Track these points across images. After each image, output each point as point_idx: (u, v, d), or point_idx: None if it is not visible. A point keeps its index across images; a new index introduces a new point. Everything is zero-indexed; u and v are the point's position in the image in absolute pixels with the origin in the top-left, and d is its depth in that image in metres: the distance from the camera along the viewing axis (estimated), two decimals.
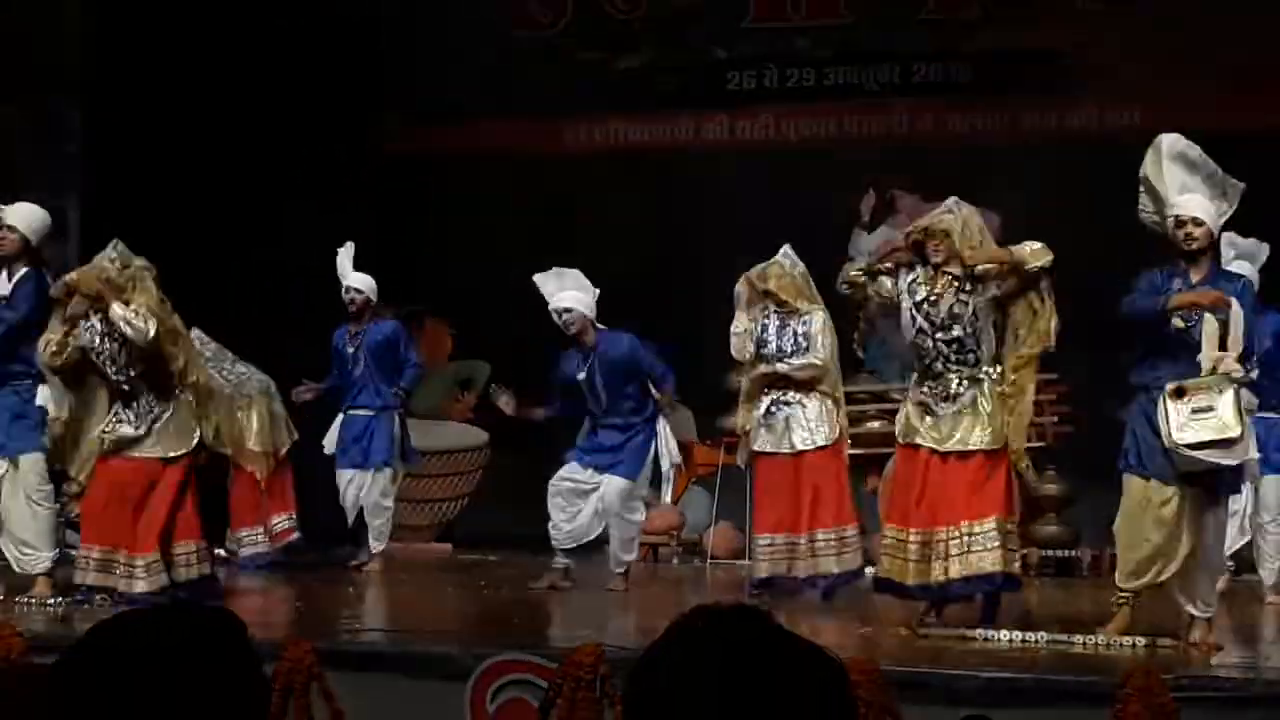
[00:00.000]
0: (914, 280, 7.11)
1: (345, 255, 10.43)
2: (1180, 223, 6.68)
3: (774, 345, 8.69)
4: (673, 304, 11.57)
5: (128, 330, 7.49)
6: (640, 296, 10.85)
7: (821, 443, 8.66)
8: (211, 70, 12.39)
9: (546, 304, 9.18)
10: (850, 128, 13.34)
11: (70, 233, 12.24)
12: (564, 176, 13.23)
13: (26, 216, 7.96)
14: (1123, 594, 6.76)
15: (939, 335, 7.02)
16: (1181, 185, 6.73)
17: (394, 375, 10.37)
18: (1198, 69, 12.26)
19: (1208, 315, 6.44)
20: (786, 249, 8.91)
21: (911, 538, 6.96)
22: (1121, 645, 6.59)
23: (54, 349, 7.67)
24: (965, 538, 6.87)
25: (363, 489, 10.25)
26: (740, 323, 8.83)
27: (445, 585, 10.04)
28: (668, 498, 9.76)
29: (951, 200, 7.21)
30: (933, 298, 7.04)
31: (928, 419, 7.03)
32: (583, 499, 9.08)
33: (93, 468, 7.78)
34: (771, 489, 8.70)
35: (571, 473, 9.14)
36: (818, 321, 8.69)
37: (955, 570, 6.87)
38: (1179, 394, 6.33)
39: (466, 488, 13.03)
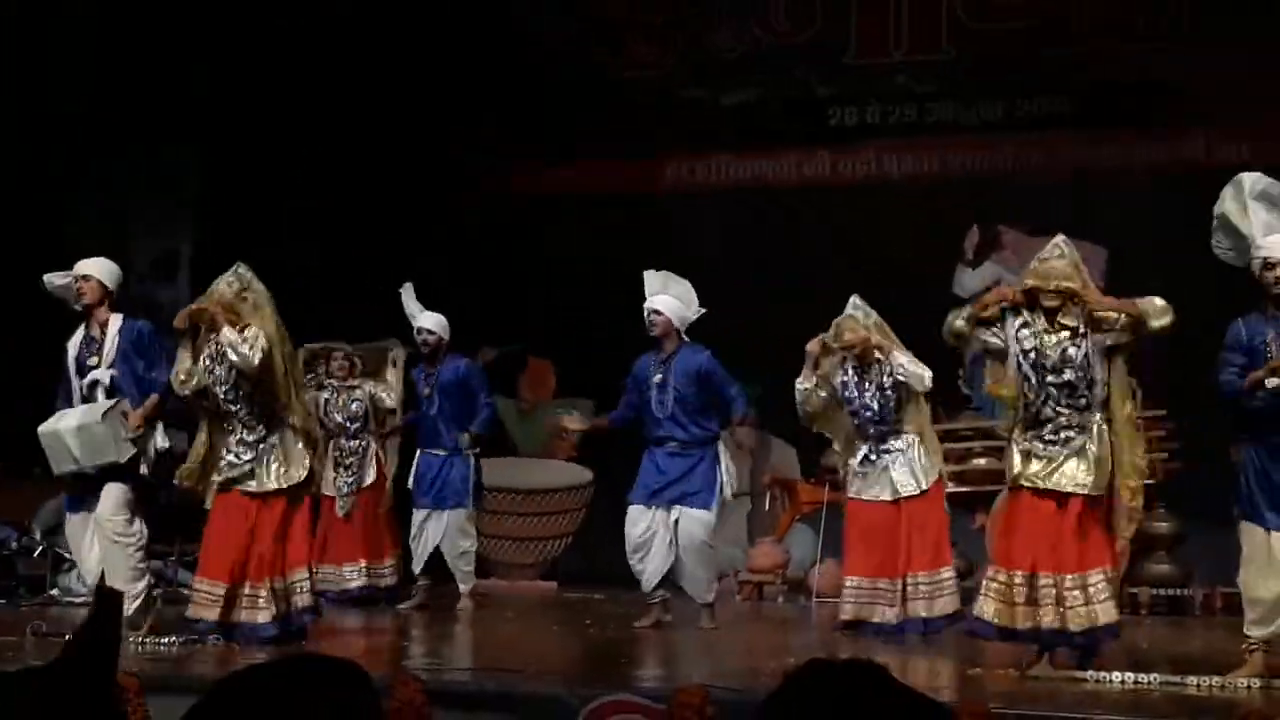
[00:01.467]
0: (1022, 325, 7.00)
1: (409, 295, 10.41)
2: (1269, 265, 6.61)
3: (857, 401, 8.64)
4: (778, 340, 11.51)
5: (232, 355, 7.58)
6: (744, 332, 10.84)
7: (924, 487, 8.60)
8: (324, 114, 12.59)
9: (649, 340, 9.19)
10: (953, 163, 13.27)
11: (181, 273, 12.49)
12: (668, 214, 13.26)
13: (100, 265, 8.06)
14: (1252, 642, 6.65)
15: (1049, 379, 6.90)
16: (1266, 226, 6.64)
17: (468, 416, 10.35)
18: None
19: None
20: (855, 300, 8.79)
21: (1017, 579, 6.86)
22: (1237, 687, 6.47)
23: (182, 378, 7.78)
24: (1082, 589, 6.77)
25: (440, 530, 10.28)
26: (807, 380, 8.73)
27: (550, 624, 10.06)
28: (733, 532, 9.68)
29: (1060, 238, 7.09)
30: (1044, 343, 6.92)
31: (1035, 463, 6.93)
32: (653, 539, 9.04)
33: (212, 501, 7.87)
34: (868, 534, 8.65)
35: (637, 522, 9.04)
36: (901, 358, 8.58)
37: (1075, 622, 6.75)
38: None
39: (570, 526, 13.06)
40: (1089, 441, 6.85)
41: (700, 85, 13.64)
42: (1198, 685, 6.51)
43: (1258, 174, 6.77)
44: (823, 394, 8.69)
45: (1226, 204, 6.75)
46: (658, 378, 9.07)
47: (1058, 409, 6.88)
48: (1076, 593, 6.75)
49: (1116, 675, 6.67)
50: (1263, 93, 12.25)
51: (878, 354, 8.55)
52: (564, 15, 13.87)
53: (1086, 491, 6.82)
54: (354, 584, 10.62)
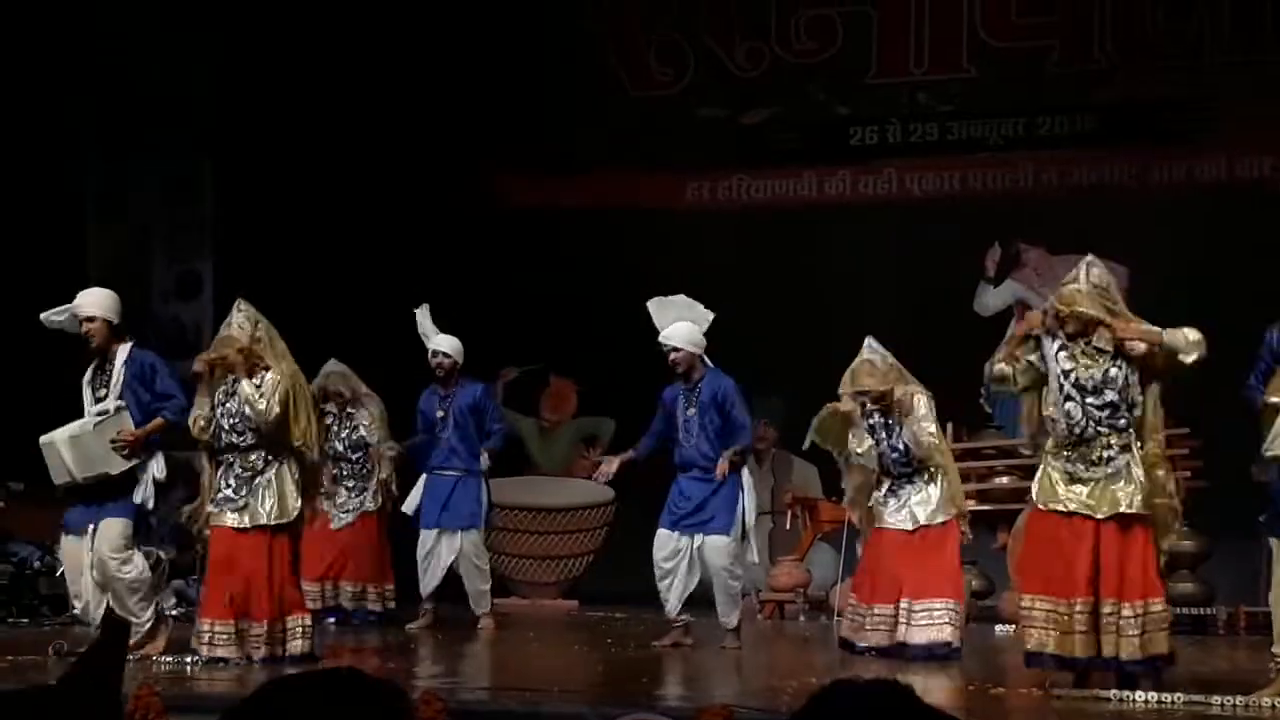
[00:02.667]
0: (1060, 348, 6.96)
1: (425, 316, 10.40)
2: None
3: (885, 443, 8.69)
4: (799, 358, 11.55)
5: (248, 409, 7.69)
6: (763, 350, 10.85)
7: (941, 519, 8.65)
8: (337, 128, 12.63)
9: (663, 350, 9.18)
10: (975, 181, 13.27)
11: (205, 290, 12.54)
12: (686, 232, 13.27)
13: (100, 303, 8.01)
14: (1279, 660, 6.62)
15: (1089, 400, 6.86)
16: None
17: (481, 438, 10.38)
18: None
19: None
20: (870, 341, 8.83)
21: (1078, 608, 6.78)
22: (1260, 706, 6.45)
23: (202, 424, 7.88)
24: (1142, 617, 6.74)
25: (453, 551, 10.28)
26: (861, 442, 8.79)
27: (572, 643, 10.05)
28: (753, 556, 9.65)
29: (1088, 259, 7.03)
30: (1084, 365, 6.88)
31: (1077, 486, 6.88)
32: (679, 564, 9.06)
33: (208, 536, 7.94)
34: (884, 561, 8.69)
35: (664, 547, 9.06)
36: (921, 406, 8.65)
37: (1127, 649, 6.72)
38: None
39: (592, 544, 13.06)
40: (1133, 463, 6.81)
41: (719, 104, 13.66)
42: (1222, 705, 6.48)
43: None
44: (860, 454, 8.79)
45: None
46: (690, 410, 9.08)
47: (1099, 430, 6.83)
48: (1138, 619, 6.71)
49: (1140, 695, 6.64)
50: None
51: (895, 401, 8.62)
52: (584, 34, 13.90)
53: (1138, 510, 6.78)
54: (354, 606, 10.68)
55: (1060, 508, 6.86)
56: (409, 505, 10.42)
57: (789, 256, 13.08)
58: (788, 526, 12.75)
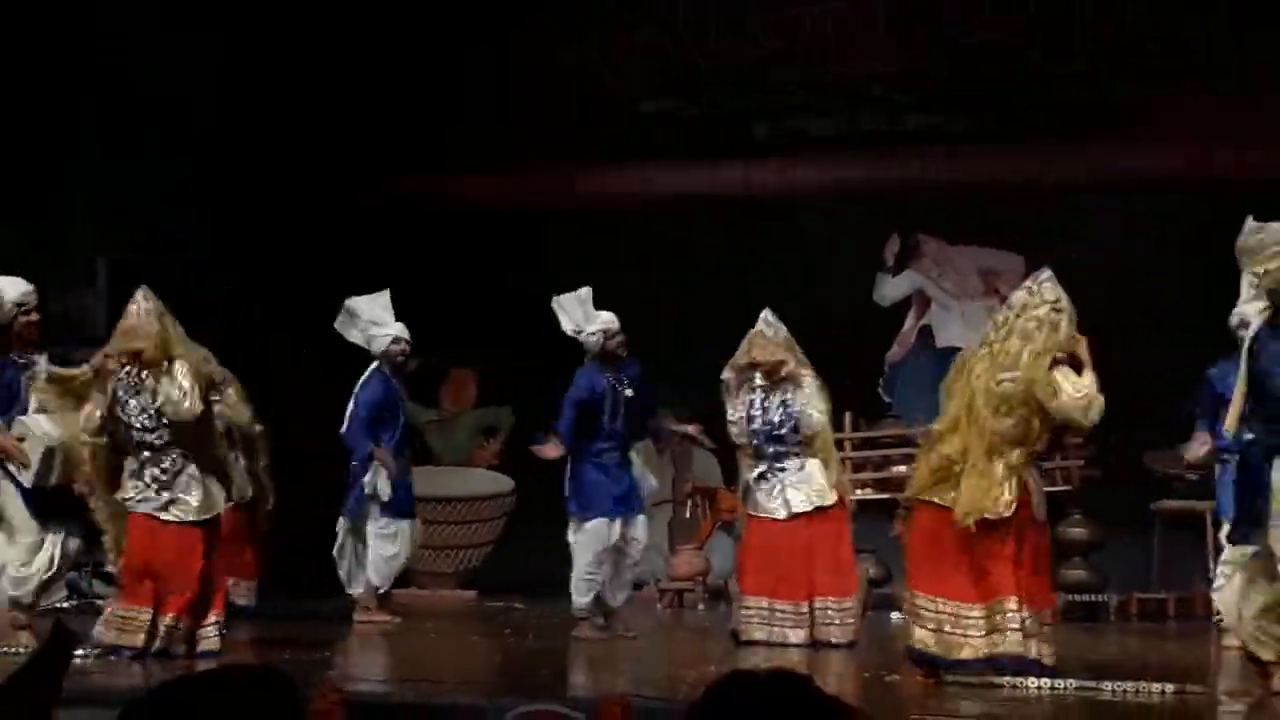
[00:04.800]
0: None
1: (386, 304, 10.38)
2: None
3: (760, 419, 8.69)
4: (705, 349, 11.55)
5: (169, 409, 7.47)
6: (664, 344, 10.85)
7: (820, 504, 8.65)
8: (243, 119, 12.49)
9: (566, 341, 9.16)
10: (876, 173, 13.31)
11: (99, 281, 12.34)
12: (587, 226, 13.24)
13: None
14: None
15: None
16: None
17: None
18: (1249, 116, 12.20)
19: None
20: (766, 314, 8.88)
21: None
22: (1150, 692, 6.54)
23: (98, 425, 7.62)
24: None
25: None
26: (736, 410, 8.80)
27: (469, 634, 10.02)
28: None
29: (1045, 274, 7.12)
30: None
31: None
32: (612, 549, 9.00)
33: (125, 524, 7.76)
34: (764, 551, 8.69)
35: (608, 535, 8.90)
36: (810, 385, 8.69)
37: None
38: None
39: (491, 534, 13.02)
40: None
41: (625, 93, 13.61)
42: (1112, 691, 6.57)
43: None
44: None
45: None
46: (628, 392, 9.01)
47: None
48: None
49: (1032, 681, 6.71)
50: (1202, 108, 12.37)
51: (785, 374, 8.64)
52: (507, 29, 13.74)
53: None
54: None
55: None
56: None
57: (694, 247, 13.08)
58: (688, 515, 12.79)
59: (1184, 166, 12.23)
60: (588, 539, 8.81)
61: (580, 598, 8.88)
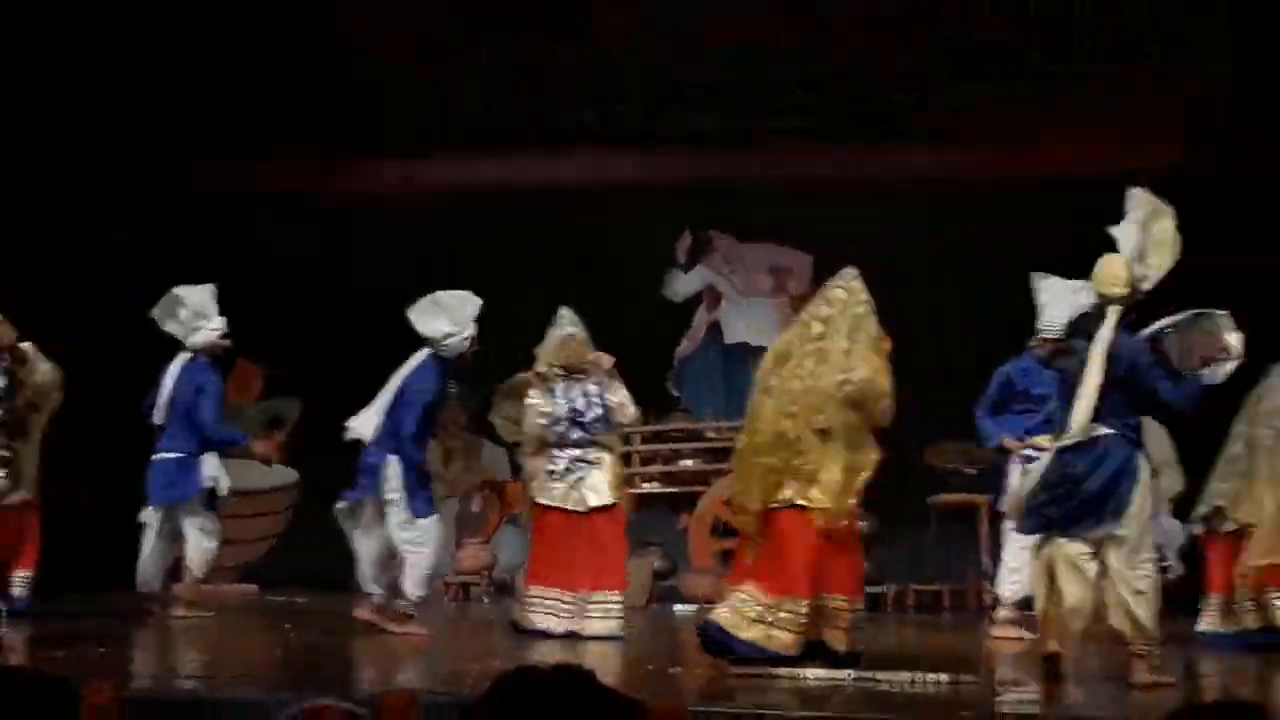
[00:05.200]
0: None
1: (213, 297, 10.17)
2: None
3: (564, 408, 8.74)
4: (502, 342, 11.52)
5: (40, 378, 7.36)
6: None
7: (610, 501, 8.75)
8: (34, 106, 12.10)
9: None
10: (666, 169, 13.42)
11: None
12: (372, 218, 13.12)
13: None
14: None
15: None
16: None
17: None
18: (1022, 117, 12.55)
19: None
20: (563, 312, 8.96)
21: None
22: (926, 682, 6.69)
23: None
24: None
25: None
26: (542, 403, 8.86)
27: (252, 628, 9.87)
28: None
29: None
30: None
31: None
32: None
33: None
34: (553, 545, 8.76)
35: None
36: (618, 378, 8.79)
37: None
38: None
39: (274, 528, 12.84)
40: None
41: (424, 85, 13.49)
42: (889, 682, 6.70)
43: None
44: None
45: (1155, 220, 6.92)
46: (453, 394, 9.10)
47: None
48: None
49: (811, 672, 6.82)
50: (979, 110, 12.69)
51: (586, 368, 8.69)
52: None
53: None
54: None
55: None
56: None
57: (490, 240, 13.04)
58: (475, 509, 12.77)
59: (971, 168, 12.57)
60: (431, 536, 8.77)
61: (423, 591, 8.86)
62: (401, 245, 12.52)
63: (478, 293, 8.93)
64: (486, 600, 11.96)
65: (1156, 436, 9.45)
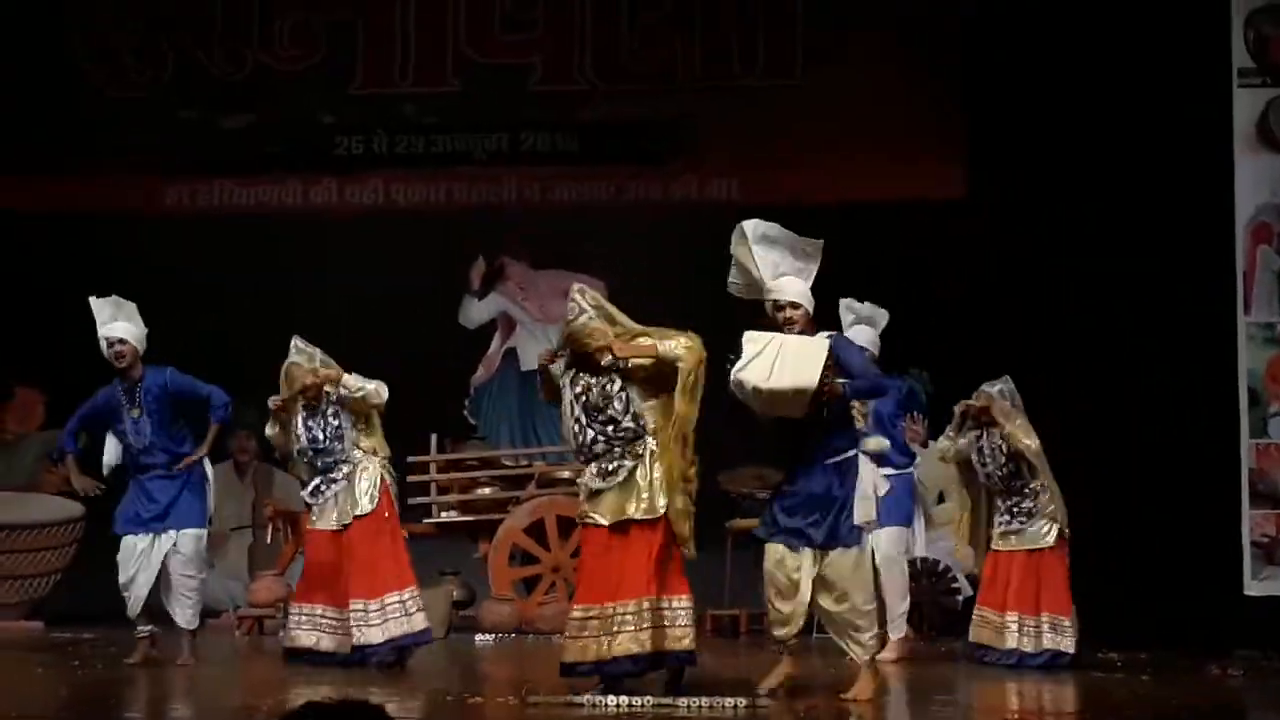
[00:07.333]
0: (574, 374, 7.15)
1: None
2: (779, 306, 7.15)
3: (304, 437, 8.74)
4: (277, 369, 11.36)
5: None
6: (242, 363, 10.58)
7: (366, 511, 8.66)
8: None
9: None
10: (459, 195, 13.37)
11: None
12: (167, 238, 12.86)
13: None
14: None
15: (597, 418, 7.06)
16: (774, 267, 7.12)
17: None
18: (790, 143, 12.79)
19: None
20: (297, 342, 8.93)
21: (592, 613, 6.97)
22: (724, 706, 6.71)
23: None
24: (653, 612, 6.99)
25: None
26: (290, 431, 8.85)
27: (34, 665, 9.56)
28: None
29: (575, 288, 7.30)
30: (590, 388, 7.09)
31: (595, 498, 7.10)
32: (142, 569, 8.86)
33: None
34: (320, 562, 8.75)
35: (131, 553, 8.87)
36: (349, 379, 8.73)
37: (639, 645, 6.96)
38: None
39: (60, 562, 12.47)
40: (642, 470, 7.03)
41: (199, 107, 13.28)
42: (688, 706, 6.71)
43: (755, 220, 7.23)
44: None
45: (735, 248, 7.25)
46: (134, 410, 8.91)
47: (610, 446, 7.07)
48: (635, 616, 6.96)
49: (611, 699, 6.81)
50: (750, 135, 12.89)
51: (327, 389, 8.64)
52: (55, 30, 13.26)
53: (641, 517, 7.03)
54: None
55: (589, 520, 7.11)
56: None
57: (274, 264, 12.85)
58: (269, 540, 12.55)
59: (736, 193, 12.80)
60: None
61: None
62: (184, 266, 12.28)
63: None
64: (281, 633, 11.74)
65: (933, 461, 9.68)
